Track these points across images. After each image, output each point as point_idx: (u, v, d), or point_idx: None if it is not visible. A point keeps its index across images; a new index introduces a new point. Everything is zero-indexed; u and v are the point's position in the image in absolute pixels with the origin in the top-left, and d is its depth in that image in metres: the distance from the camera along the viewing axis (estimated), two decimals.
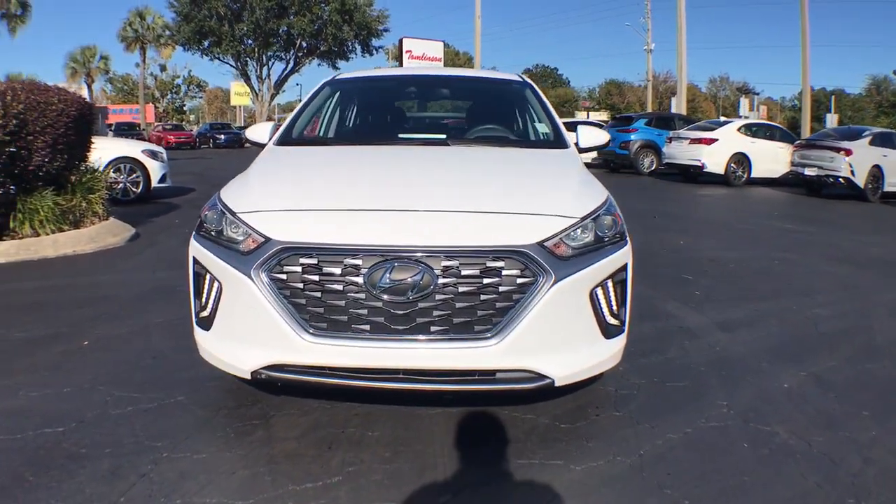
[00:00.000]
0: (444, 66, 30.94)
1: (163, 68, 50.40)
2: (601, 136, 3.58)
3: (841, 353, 3.41)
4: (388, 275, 2.16)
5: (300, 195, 2.59)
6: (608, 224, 2.49)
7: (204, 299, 2.47)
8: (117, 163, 9.28)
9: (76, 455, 2.23)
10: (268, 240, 2.27)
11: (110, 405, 2.62)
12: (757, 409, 2.69)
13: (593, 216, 2.46)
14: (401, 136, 3.66)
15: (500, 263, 2.21)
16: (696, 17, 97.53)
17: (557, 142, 3.41)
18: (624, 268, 2.49)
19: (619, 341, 2.52)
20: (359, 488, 2.07)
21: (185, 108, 57.86)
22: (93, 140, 7.02)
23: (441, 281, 2.17)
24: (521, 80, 4.09)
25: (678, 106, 26.60)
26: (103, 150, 9.40)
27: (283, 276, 2.23)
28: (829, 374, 3.08)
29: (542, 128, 3.72)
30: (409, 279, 2.15)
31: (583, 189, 2.69)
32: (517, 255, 2.21)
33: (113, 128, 29.27)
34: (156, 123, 42.84)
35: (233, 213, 2.44)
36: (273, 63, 36.08)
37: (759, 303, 4.36)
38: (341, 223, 2.34)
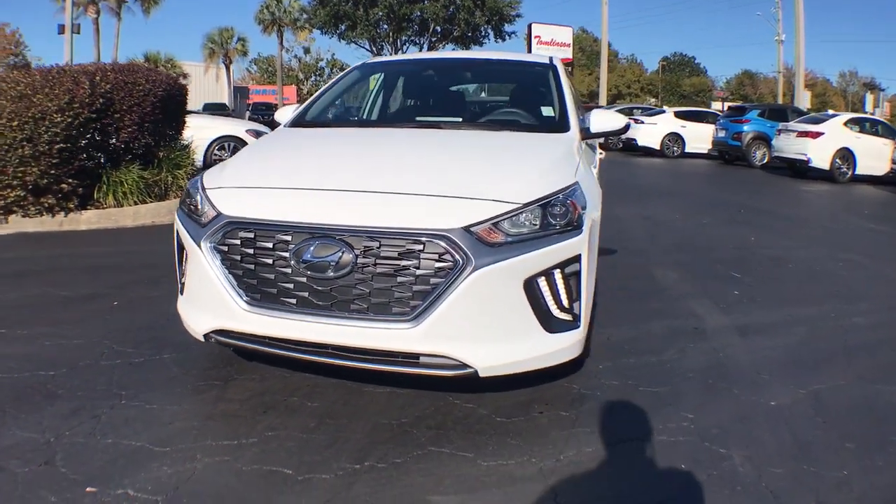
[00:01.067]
0: (577, 51, 29.73)
1: (306, 51, 53.61)
2: (615, 122, 3.42)
3: (857, 370, 3.01)
4: (310, 251, 2.26)
5: (260, 174, 2.75)
6: (559, 212, 2.39)
7: (181, 267, 2.77)
8: (221, 141, 10.24)
9: (51, 395, 2.58)
10: (218, 214, 2.47)
11: (104, 357, 2.96)
12: (724, 427, 2.43)
13: (541, 202, 2.37)
14: (418, 118, 3.76)
15: (419, 247, 2.22)
16: (825, 9, 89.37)
17: (559, 125, 3.30)
18: (575, 259, 2.39)
19: (569, 337, 2.42)
20: (265, 451, 2.20)
21: None
22: (186, 118, 7.83)
23: (360, 260, 2.23)
24: (546, 62, 3.96)
25: (798, 99, 25.04)
26: (209, 129, 10.46)
27: (226, 248, 2.41)
28: (831, 395, 2.74)
29: (550, 111, 3.63)
30: (329, 257, 2.24)
31: (543, 174, 2.58)
32: (438, 239, 2.21)
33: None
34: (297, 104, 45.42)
35: (203, 188, 2.68)
36: (407, 47, 37.17)
37: (796, 307, 3.97)
38: (279, 201, 2.47)
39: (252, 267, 2.39)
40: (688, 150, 18.89)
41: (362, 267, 2.25)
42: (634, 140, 19.05)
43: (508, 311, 2.30)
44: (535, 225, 2.36)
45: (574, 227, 2.42)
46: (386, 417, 2.48)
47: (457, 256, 2.21)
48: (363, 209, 2.35)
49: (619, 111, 21.73)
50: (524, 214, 2.35)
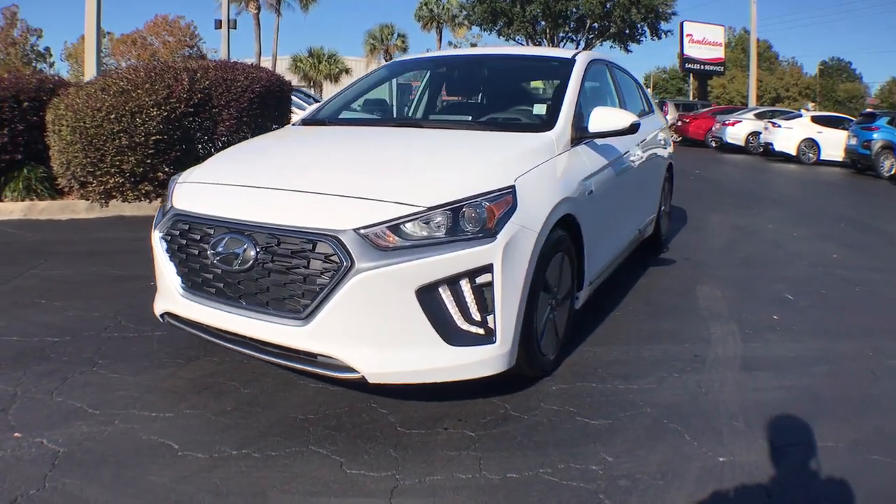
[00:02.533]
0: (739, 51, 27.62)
1: (472, 46, 55.20)
2: (618, 121, 3.18)
3: (859, 430, 2.49)
4: (222, 244, 2.41)
5: (220, 171, 2.92)
6: (471, 217, 2.30)
7: None
8: None
9: (43, 357, 2.99)
10: (171, 206, 2.73)
11: (106, 330, 3.34)
12: (638, 481, 2.11)
13: (451, 206, 2.29)
14: (432, 117, 3.86)
15: (310, 246, 2.27)
16: None
17: (544, 125, 3.11)
18: (486, 268, 2.28)
19: (480, 352, 2.33)
20: (172, 426, 2.40)
21: None
22: (290, 113, 8.58)
23: (261, 256, 2.34)
24: (566, 58, 3.73)
25: None
26: None
27: (170, 238, 2.65)
28: (802, 460, 2.29)
29: (543, 109, 3.46)
30: (237, 250, 2.38)
31: (472, 176, 2.48)
32: (327, 240, 2.24)
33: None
34: None
35: (175, 182, 3.05)
36: (565, 44, 37.13)
37: (835, 340, 3.39)
38: (213, 197, 2.64)
39: (185, 256, 2.65)
40: (823, 157, 17.11)
41: (262, 263, 2.34)
42: (771, 144, 17.77)
43: (399, 318, 2.24)
44: (440, 230, 2.28)
45: (487, 234, 2.31)
46: (297, 411, 2.54)
47: (342, 258, 2.21)
48: (271, 207, 2.44)
49: (759, 114, 19.83)
50: (426, 218, 2.28)
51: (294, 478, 2.13)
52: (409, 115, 3.87)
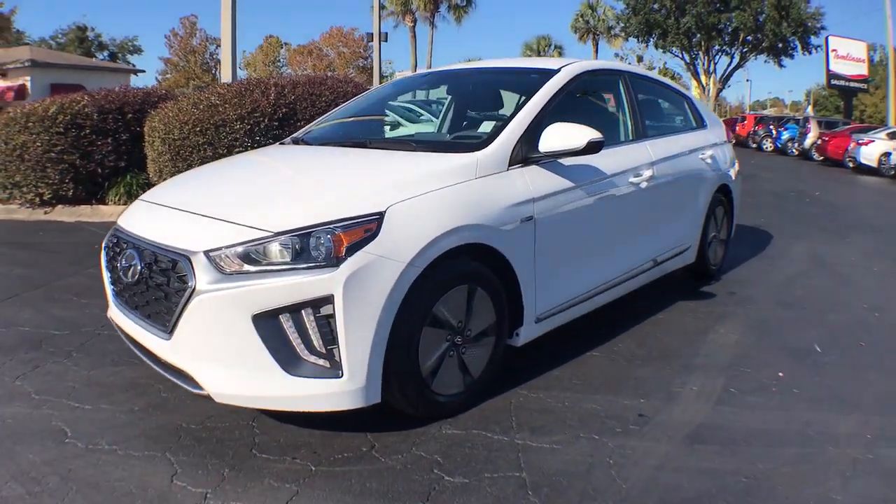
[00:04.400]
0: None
1: (638, 59, 54.41)
2: (572, 139, 2.84)
3: None
4: (123, 258, 2.54)
5: (162, 189, 3.03)
6: (318, 244, 2.18)
7: None
8: None
9: (34, 346, 3.31)
10: (117, 220, 2.94)
11: (105, 328, 3.55)
12: None
13: (299, 232, 2.19)
14: (388, 136, 3.68)
15: (171, 265, 2.31)
16: None
17: (476, 144, 2.81)
18: (327, 299, 2.15)
19: (325, 385, 2.21)
20: (80, 417, 2.57)
21: None
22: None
23: (144, 271, 2.42)
24: (547, 69, 3.36)
25: None
26: None
27: (106, 250, 2.80)
28: None
29: (489, 126, 3.11)
30: (130, 264, 2.48)
31: (336, 200, 2.35)
32: (183, 260, 2.26)
33: None
34: None
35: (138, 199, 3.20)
36: (719, 57, 36.42)
37: (835, 413, 2.64)
38: (138, 213, 2.76)
39: (112, 267, 2.78)
40: None
41: (145, 277, 2.42)
42: None
43: (238, 342, 2.19)
44: (285, 256, 2.18)
45: (331, 263, 2.16)
46: (186, 420, 2.57)
47: (190, 278, 2.21)
48: (159, 226, 2.50)
49: (891, 134, 16.45)
50: (272, 244, 2.20)
51: (126, 479, 2.18)
52: (357, 134, 3.63)
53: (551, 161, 2.98)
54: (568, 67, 3.41)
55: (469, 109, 3.72)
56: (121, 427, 2.53)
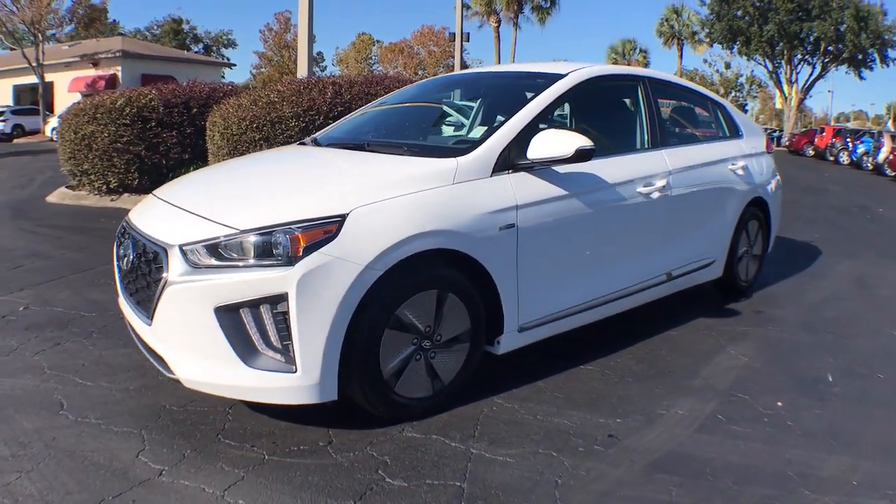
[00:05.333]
0: None
1: (726, 66, 52.57)
2: (560, 147, 2.72)
3: None
4: (122, 247, 2.71)
5: (171, 186, 3.15)
6: (279, 242, 2.24)
7: None
8: None
9: (61, 326, 3.57)
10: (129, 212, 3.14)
11: (107, 311, 3.80)
12: None
13: (262, 231, 2.26)
14: (388, 140, 3.58)
15: (152, 256, 2.45)
16: None
17: (463, 150, 2.75)
18: (282, 296, 2.21)
19: (280, 379, 2.27)
20: (79, 393, 2.76)
21: (745, 108, 58.85)
22: None
23: (135, 261, 2.56)
24: (553, 74, 3.26)
25: None
26: None
27: (117, 240, 2.93)
28: None
29: (479, 132, 3.02)
30: (126, 253, 2.65)
31: (303, 201, 2.39)
32: (162, 252, 2.37)
33: None
34: None
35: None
36: (801, 67, 35.70)
37: (826, 454, 2.38)
38: (144, 207, 2.90)
39: (117, 255, 2.95)
40: None
41: (136, 266, 2.56)
42: None
43: (202, 333, 2.28)
44: (248, 253, 2.26)
45: (288, 262, 2.22)
46: (172, 402, 2.70)
47: (165, 270, 2.33)
48: (153, 220, 2.64)
49: None
50: (238, 240, 2.27)
51: (99, 450, 2.33)
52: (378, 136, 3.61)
53: (544, 168, 2.89)
54: (575, 73, 3.29)
55: (475, 114, 3.66)
56: (112, 404, 2.69)
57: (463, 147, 2.82)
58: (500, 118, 3.10)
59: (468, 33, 27.71)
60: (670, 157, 3.66)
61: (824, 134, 26.02)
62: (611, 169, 3.24)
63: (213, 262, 2.29)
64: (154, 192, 3.15)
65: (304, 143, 3.78)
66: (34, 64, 27.21)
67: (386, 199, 2.42)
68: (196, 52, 45.05)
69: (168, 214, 2.64)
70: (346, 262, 2.26)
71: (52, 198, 8.22)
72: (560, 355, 3.26)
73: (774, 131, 39.78)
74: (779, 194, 4.81)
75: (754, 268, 4.61)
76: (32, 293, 4.25)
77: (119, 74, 27.64)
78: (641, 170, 3.43)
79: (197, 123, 7.77)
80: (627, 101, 3.70)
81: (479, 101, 3.74)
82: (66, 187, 8.34)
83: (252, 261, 2.26)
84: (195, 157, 7.83)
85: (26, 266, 4.99)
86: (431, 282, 2.51)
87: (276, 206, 2.41)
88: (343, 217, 2.31)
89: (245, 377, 2.28)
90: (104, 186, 7.59)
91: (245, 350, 2.27)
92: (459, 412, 2.67)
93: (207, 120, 7.48)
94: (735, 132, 4.45)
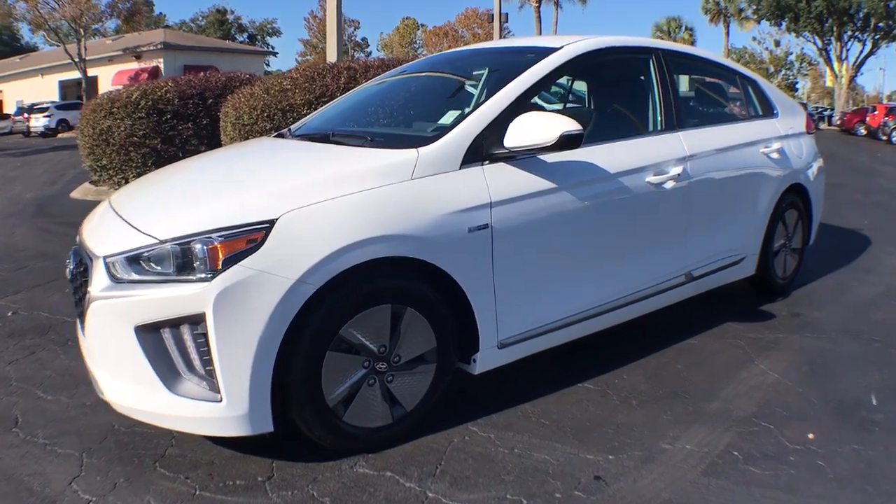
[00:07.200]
0: None
1: (776, 43, 50.43)
2: (541, 133, 2.26)
3: None
4: (68, 257, 2.41)
5: (121, 190, 2.85)
6: (195, 253, 1.91)
7: None
8: None
9: (42, 332, 3.38)
10: None
11: None
12: None
13: (181, 241, 1.93)
14: (355, 129, 3.14)
15: (82, 269, 2.18)
16: None
17: (426, 140, 2.33)
18: (200, 317, 1.88)
19: (204, 408, 1.94)
20: (37, 407, 2.57)
21: (796, 86, 56.41)
22: None
23: (73, 271, 2.28)
24: (546, 47, 2.79)
25: None
26: None
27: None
28: None
29: (451, 117, 2.57)
30: (67, 264, 2.37)
31: (230, 205, 2.04)
32: (90, 264, 2.10)
33: None
34: None
35: None
36: (851, 43, 34.04)
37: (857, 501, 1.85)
38: (91, 214, 2.61)
39: None
40: None
41: (75, 277, 2.28)
42: None
43: (126, 353, 1.99)
44: (169, 266, 1.93)
45: (206, 277, 1.88)
46: (121, 422, 2.39)
47: (90, 283, 2.05)
48: (94, 227, 2.36)
49: None
50: (158, 252, 1.95)
51: (36, 474, 2.15)
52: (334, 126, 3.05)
53: (528, 158, 2.44)
54: (572, 46, 2.81)
55: (451, 96, 3.18)
56: (64, 421, 2.48)
57: (428, 136, 2.39)
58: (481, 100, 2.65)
59: (506, 14, 26.81)
60: (689, 140, 3.13)
61: (876, 113, 24.19)
62: (613, 156, 2.76)
63: (134, 276, 1.98)
64: (110, 197, 2.85)
65: (281, 135, 3.41)
66: (76, 59, 27.75)
67: (326, 201, 2.03)
68: (241, 42, 45.43)
69: (106, 221, 2.34)
70: (272, 277, 1.89)
71: (76, 194, 8.18)
72: (556, 369, 2.83)
73: (825, 110, 37.72)
74: (821, 179, 4.18)
75: (793, 263, 4.02)
76: (26, 297, 4.08)
77: (161, 66, 27.97)
78: (652, 156, 2.93)
79: (213, 114, 7.55)
80: (637, 77, 3.18)
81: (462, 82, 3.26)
82: (90, 183, 8.29)
83: (172, 275, 1.93)
84: (212, 149, 7.60)
85: (30, 267, 4.86)
86: (384, 295, 2.11)
87: (200, 211, 2.07)
88: (271, 223, 1.94)
89: (169, 404, 1.98)
90: (123, 181, 7.49)
91: (168, 375, 1.97)
92: (425, 443, 2.28)
93: (221, 110, 7.23)
94: (769, 111, 3.85)
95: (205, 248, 1.90)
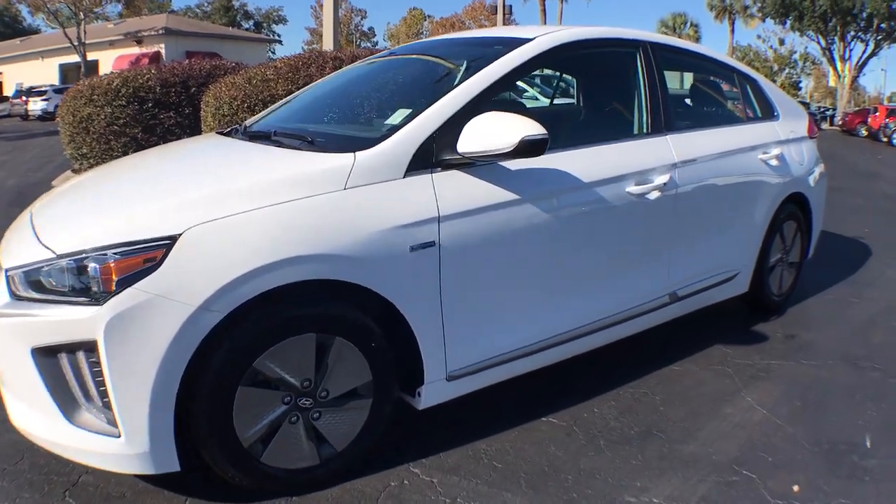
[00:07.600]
0: None
1: (780, 42, 49.86)
2: (499, 137, 1.96)
3: None
4: None
5: (52, 192, 2.55)
6: (89, 271, 1.67)
7: None
8: None
9: None
10: None
11: None
12: None
13: (76, 257, 1.69)
14: (296, 127, 2.83)
15: None
16: None
17: (368, 142, 2.03)
18: (93, 344, 1.65)
19: (102, 442, 1.71)
20: None
21: (799, 85, 55.84)
22: None
23: None
24: (515, 38, 2.49)
25: None
26: None
27: None
28: None
29: (399, 117, 2.25)
30: None
31: (133, 215, 1.78)
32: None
33: None
34: None
35: None
36: (854, 43, 34.09)
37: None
38: (14, 223, 2.28)
39: None
40: None
41: None
42: None
43: (24, 377, 1.76)
44: (65, 284, 1.69)
45: (99, 299, 1.64)
46: None
47: None
48: (7, 238, 2.09)
49: None
50: (54, 267, 1.71)
51: None
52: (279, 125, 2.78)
53: (486, 165, 2.14)
54: (545, 37, 2.50)
55: (399, 92, 2.83)
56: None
57: (371, 138, 2.09)
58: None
59: (510, 6, 26.36)
60: (678, 144, 2.83)
61: (877, 114, 23.68)
62: (590, 162, 2.47)
63: (32, 293, 1.74)
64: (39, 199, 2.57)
65: (231, 132, 3.10)
66: (76, 43, 27.37)
67: (240, 213, 1.75)
68: (247, 29, 45.02)
69: (20, 229, 2.07)
70: (171, 302, 1.63)
71: (57, 182, 7.92)
72: (521, 398, 2.56)
73: (828, 110, 37.34)
74: (823, 187, 3.87)
75: (790, 278, 3.72)
76: None
77: (163, 52, 27.60)
78: (634, 163, 2.63)
79: (196, 103, 7.27)
80: (621, 73, 2.86)
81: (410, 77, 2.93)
82: (72, 171, 8.03)
83: (68, 294, 1.70)
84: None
85: None
86: (307, 323, 1.84)
87: (102, 223, 1.81)
88: (172, 239, 1.67)
89: (69, 436, 1.75)
90: None
91: (67, 403, 1.74)
92: (357, 486, 2.01)
93: (202, 100, 6.95)
94: (769, 112, 3.53)
95: (97, 266, 1.65)
